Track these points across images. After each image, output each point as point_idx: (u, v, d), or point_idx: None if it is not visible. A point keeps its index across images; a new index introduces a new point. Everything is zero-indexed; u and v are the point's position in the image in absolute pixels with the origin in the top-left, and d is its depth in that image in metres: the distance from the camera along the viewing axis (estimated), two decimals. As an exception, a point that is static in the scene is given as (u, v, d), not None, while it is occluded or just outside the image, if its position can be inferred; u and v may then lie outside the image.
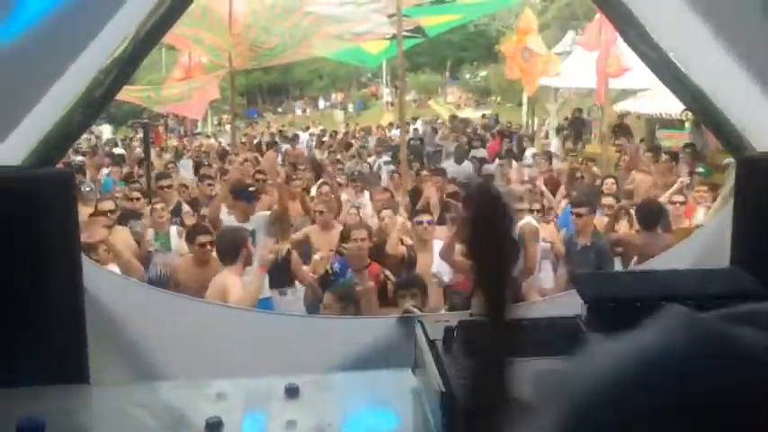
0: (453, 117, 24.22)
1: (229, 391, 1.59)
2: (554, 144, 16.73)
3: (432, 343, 1.45)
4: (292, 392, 1.55)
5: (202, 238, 5.31)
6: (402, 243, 5.65)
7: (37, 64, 2.23)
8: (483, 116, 24.90)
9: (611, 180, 7.73)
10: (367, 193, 8.71)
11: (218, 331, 2.66)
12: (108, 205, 6.14)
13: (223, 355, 2.47)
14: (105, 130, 26.52)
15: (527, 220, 6.04)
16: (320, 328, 3.03)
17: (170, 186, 7.44)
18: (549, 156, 11.43)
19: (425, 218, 5.77)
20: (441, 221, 6.13)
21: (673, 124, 14.42)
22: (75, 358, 2.12)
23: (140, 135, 13.25)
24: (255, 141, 18.87)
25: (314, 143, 18.98)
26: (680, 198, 6.54)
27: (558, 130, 19.66)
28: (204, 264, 5.23)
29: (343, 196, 8.40)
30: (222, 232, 5.28)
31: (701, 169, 8.81)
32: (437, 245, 5.48)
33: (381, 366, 1.85)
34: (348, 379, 1.74)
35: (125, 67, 2.52)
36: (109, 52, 2.45)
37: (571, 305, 1.75)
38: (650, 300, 1.57)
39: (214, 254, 5.00)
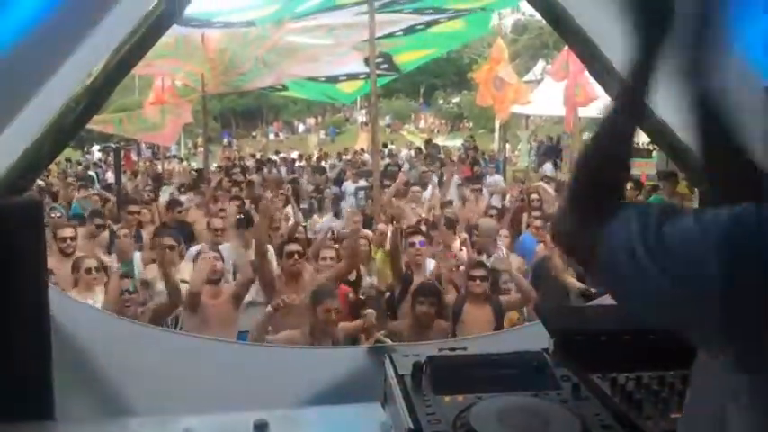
0: (427, 142, 24.28)
1: (198, 427, 1.58)
2: (548, 168, 16.83)
3: (401, 378, 1.46)
4: (261, 428, 1.54)
5: (292, 247, 5.04)
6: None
7: (5, 91, 2.21)
8: (466, 140, 24.91)
9: None
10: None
11: (187, 362, 2.63)
12: (68, 232, 5.89)
13: (191, 386, 2.44)
14: (95, 152, 26.32)
15: (497, 254, 6.07)
16: (289, 359, 3.00)
17: (139, 212, 7.36)
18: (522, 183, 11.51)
19: (417, 239, 5.76)
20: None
21: (640, 153, 14.72)
22: (40, 392, 2.07)
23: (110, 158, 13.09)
24: (228, 165, 18.77)
25: (284, 168, 18.89)
26: None
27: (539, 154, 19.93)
28: (296, 276, 4.97)
29: (323, 220, 8.39)
30: None
31: (651, 198, 8.93)
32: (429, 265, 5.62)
33: (352, 398, 1.85)
34: (318, 414, 1.74)
35: (97, 96, 2.51)
36: (80, 80, 2.44)
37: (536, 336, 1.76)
38: (617, 334, 1.60)
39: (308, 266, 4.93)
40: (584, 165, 1.12)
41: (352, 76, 13.23)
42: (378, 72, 10.21)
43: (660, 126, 2.78)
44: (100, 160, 23.28)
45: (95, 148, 26.73)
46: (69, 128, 2.52)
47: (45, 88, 2.27)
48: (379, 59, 10.92)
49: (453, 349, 1.60)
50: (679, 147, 2.84)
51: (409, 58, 13.38)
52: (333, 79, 13.61)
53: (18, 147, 2.39)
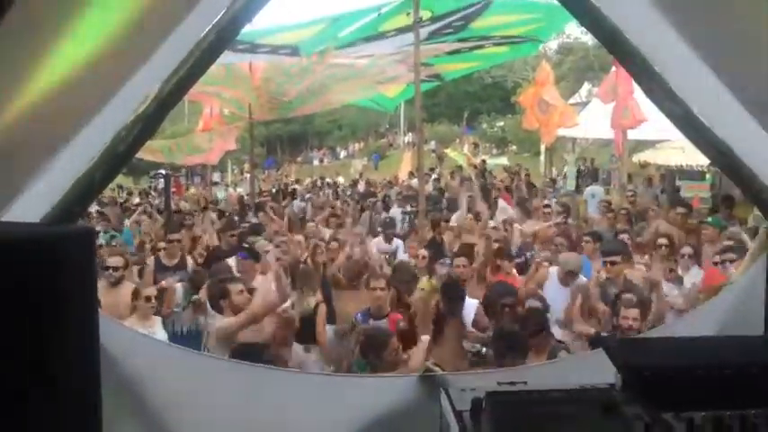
0: (482, 161, 23.99)
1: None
2: (597, 191, 16.47)
3: (459, 414, 1.39)
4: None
5: (376, 283, 5.12)
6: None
7: (59, 119, 2.24)
8: (506, 167, 24.66)
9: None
10: (396, 240, 8.61)
11: (238, 390, 2.59)
12: (116, 261, 5.63)
13: (242, 414, 2.40)
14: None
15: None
16: (340, 387, 2.95)
17: (179, 241, 7.23)
18: (566, 208, 11.19)
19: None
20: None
21: (693, 175, 14.35)
22: (88, 419, 2.06)
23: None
24: (274, 189, 19.01)
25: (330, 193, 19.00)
26: (730, 256, 5.76)
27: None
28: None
29: (373, 243, 8.30)
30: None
31: (709, 219, 8.62)
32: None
33: (404, 426, 1.78)
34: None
35: (148, 124, 2.52)
36: (132, 109, 2.47)
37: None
38: (690, 368, 1.49)
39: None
40: None
41: (394, 78, 13.29)
42: (420, 78, 10.06)
43: (722, 148, 2.68)
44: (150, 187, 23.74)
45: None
46: (121, 155, 2.53)
47: (99, 117, 2.30)
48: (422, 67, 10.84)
49: (513, 383, 1.52)
50: (742, 168, 2.73)
51: (452, 68, 13.43)
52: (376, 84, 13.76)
53: (71, 175, 2.41)
